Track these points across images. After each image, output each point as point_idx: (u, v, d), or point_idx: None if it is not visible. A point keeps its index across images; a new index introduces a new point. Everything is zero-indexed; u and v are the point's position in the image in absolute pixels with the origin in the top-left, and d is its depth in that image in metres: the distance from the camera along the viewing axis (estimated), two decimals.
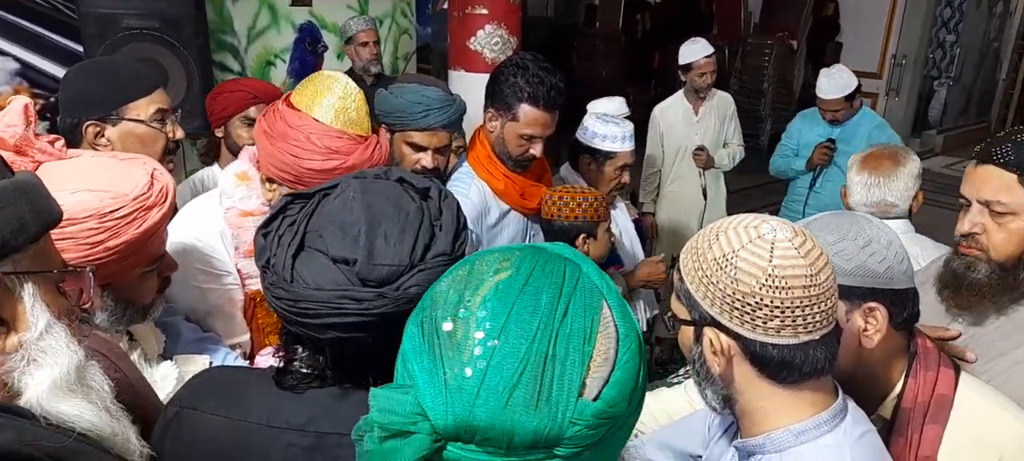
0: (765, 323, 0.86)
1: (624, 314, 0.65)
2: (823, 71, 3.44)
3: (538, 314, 0.60)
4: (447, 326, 0.61)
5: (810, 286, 0.84)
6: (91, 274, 0.85)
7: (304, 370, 0.90)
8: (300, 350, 0.90)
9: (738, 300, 0.86)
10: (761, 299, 0.85)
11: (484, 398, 0.57)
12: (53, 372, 0.73)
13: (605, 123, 2.33)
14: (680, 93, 3.94)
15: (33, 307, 0.74)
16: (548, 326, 0.59)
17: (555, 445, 0.58)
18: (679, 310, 0.96)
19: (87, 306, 0.85)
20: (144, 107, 1.53)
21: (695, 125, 3.87)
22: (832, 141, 3.43)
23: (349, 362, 0.88)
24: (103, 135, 1.52)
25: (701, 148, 3.79)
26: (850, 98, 3.36)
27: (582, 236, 2.03)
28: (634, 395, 0.63)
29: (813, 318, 0.86)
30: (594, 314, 0.62)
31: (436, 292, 0.65)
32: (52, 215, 0.78)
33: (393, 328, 0.81)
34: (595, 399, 0.60)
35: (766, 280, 0.84)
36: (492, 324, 0.59)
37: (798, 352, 0.87)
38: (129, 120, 1.52)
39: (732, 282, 0.86)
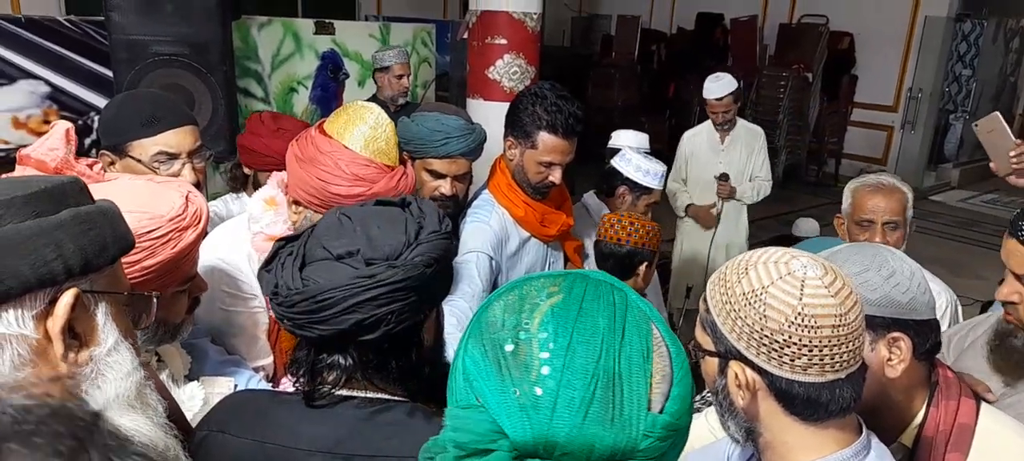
0: (792, 361, 0.85)
1: (671, 335, 0.68)
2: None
3: (598, 335, 0.62)
4: (509, 347, 0.63)
5: (839, 326, 0.84)
6: (156, 299, 0.90)
7: (330, 380, 0.93)
8: (325, 358, 0.94)
9: (766, 337, 0.86)
10: (789, 337, 0.85)
11: (561, 415, 0.59)
12: (117, 387, 0.76)
13: (650, 160, 2.44)
14: (709, 121, 3.98)
15: (105, 325, 0.77)
16: (610, 346, 0.62)
17: (630, 458, 0.60)
18: (704, 341, 0.96)
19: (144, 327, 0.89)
20: (146, 147, 1.55)
21: (720, 154, 3.90)
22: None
23: (374, 358, 0.93)
24: (114, 166, 1.56)
25: (725, 176, 3.80)
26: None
27: (644, 265, 2.05)
28: (690, 408, 0.66)
29: (841, 357, 0.85)
30: (647, 335, 0.64)
31: (490, 316, 0.67)
32: (128, 240, 0.83)
33: (409, 303, 0.91)
34: (660, 412, 0.62)
35: (795, 318, 0.84)
36: (556, 345, 0.61)
37: (824, 390, 0.87)
38: (130, 157, 1.55)
39: (761, 318, 0.86)
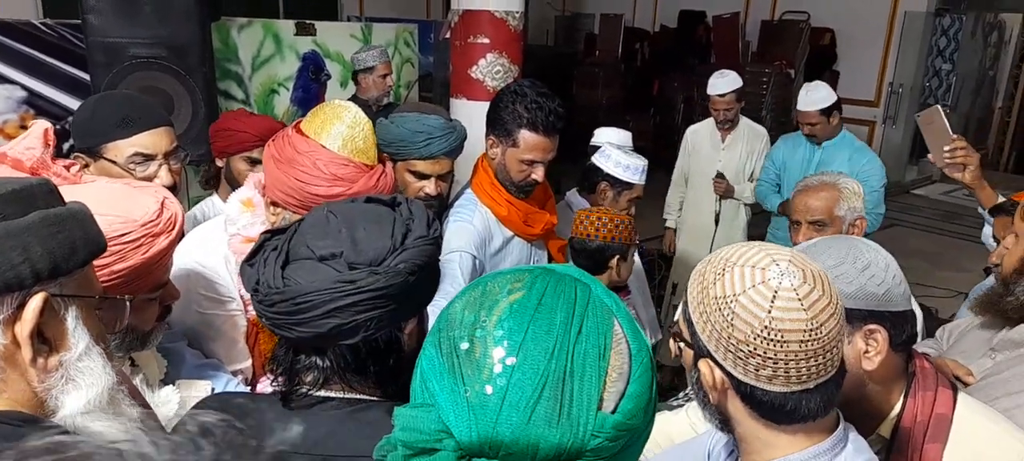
0: (757, 370, 0.84)
1: (634, 331, 0.66)
2: (804, 85, 3.47)
3: (554, 332, 0.61)
4: (464, 345, 0.62)
5: (808, 341, 0.82)
6: (128, 302, 0.89)
7: (308, 381, 0.93)
8: (303, 359, 0.92)
9: (732, 344, 0.85)
10: (754, 349, 0.83)
11: (507, 414, 0.58)
12: (89, 393, 0.75)
13: (629, 155, 2.44)
14: (711, 118, 3.95)
15: (75, 329, 0.76)
16: (564, 343, 0.61)
17: (577, 458, 0.59)
18: (683, 329, 0.96)
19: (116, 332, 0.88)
20: (122, 149, 1.54)
21: (720, 151, 3.89)
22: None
23: (352, 361, 0.91)
24: (89, 168, 1.54)
25: (721, 176, 3.79)
26: (827, 113, 3.36)
27: (616, 258, 2.05)
28: (648, 407, 0.65)
29: (808, 370, 0.83)
30: (607, 331, 0.63)
31: (451, 313, 0.67)
32: (99, 243, 0.81)
33: (390, 310, 0.89)
34: (613, 412, 0.61)
35: (762, 331, 0.82)
36: (510, 342, 0.60)
37: (790, 399, 0.86)
38: (106, 159, 1.54)
39: (728, 326, 0.84)
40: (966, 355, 1.47)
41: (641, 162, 2.44)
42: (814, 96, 3.36)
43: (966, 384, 1.28)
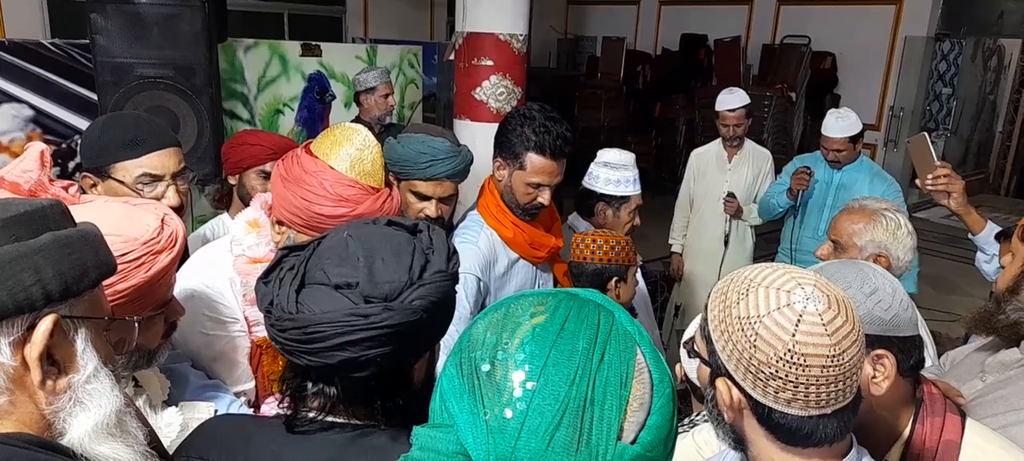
0: (776, 393, 0.84)
1: (657, 360, 0.66)
2: (831, 111, 3.47)
3: (576, 358, 0.61)
4: (486, 367, 0.62)
5: (830, 366, 0.82)
6: (137, 324, 0.88)
7: (314, 407, 0.92)
8: (309, 386, 0.92)
9: (753, 365, 0.85)
10: (776, 371, 0.83)
11: (525, 439, 0.58)
12: (97, 415, 0.75)
13: (615, 169, 2.41)
14: (718, 140, 3.97)
15: (84, 351, 0.76)
16: (586, 370, 0.60)
17: None
18: (701, 346, 0.95)
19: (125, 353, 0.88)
20: (130, 169, 1.54)
21: (727, 172, 3.89)
22: (808, 167, 3.45)
23: (359, 392, 0.90)
24: (96, 188, 1.55)
25: (731, 196, 3.80)
26: (854, 140, 3.39)
27: (614, 279, 2.04)
28: (669, 439, 0.65)
29: (828, 395, 0.84)
30: (629, 359, 0.63)
31: (473, 334, 0.66)
32: (109, 265, 0.81)
33: (402, 347, 0.87)
34: (632, 443, 0.60)
35: (785, 354, 0.82)
36: (531, 367, 0.60)
37: (807, 423, 0.86)
38: (114, 179, 1.55)
39: (751, 347, 0.84)
40: (959, 378, 1.49)
41: (630, 172, 2.40)
42: (843, 123, 3.38)
43: (958, 404, 1.29)
